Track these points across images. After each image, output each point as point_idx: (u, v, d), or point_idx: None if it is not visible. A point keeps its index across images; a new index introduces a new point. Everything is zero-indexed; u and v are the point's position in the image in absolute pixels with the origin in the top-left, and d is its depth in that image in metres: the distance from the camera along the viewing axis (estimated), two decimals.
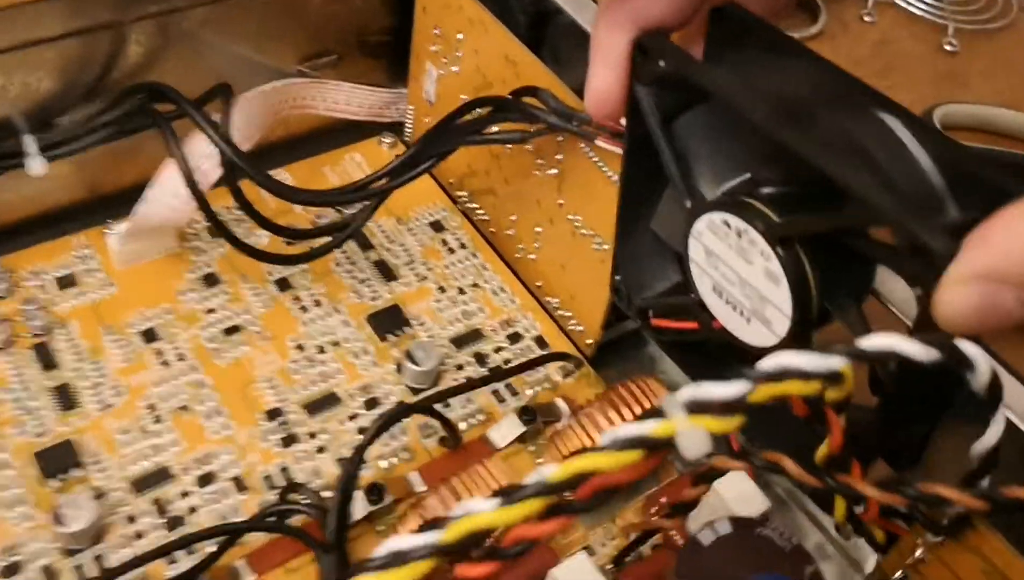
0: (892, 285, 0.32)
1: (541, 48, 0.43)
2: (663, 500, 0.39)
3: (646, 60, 0.31)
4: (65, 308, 0.43)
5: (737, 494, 0.36)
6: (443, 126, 0.42)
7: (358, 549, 0.37)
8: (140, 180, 0.42)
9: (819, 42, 0.68)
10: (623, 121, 0.34)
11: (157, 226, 0.44)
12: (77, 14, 0.42)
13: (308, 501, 0.37)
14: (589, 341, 0.45)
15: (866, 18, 0.71)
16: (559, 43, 0.44)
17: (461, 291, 0.47)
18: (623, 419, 0.38)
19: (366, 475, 0.39)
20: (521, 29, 0.44)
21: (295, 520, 0.37)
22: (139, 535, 0.37)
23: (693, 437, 0.23)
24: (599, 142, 0.38)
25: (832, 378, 0.24)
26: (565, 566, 0.34)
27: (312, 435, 0.40)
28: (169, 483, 0.38)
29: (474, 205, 0.51)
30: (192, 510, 0.37)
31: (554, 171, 0.43)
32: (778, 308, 0.31)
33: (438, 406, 0.40)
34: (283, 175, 0.51)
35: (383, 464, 0.40)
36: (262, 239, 0.46)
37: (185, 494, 0.38)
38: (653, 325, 0.39)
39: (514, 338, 0.45)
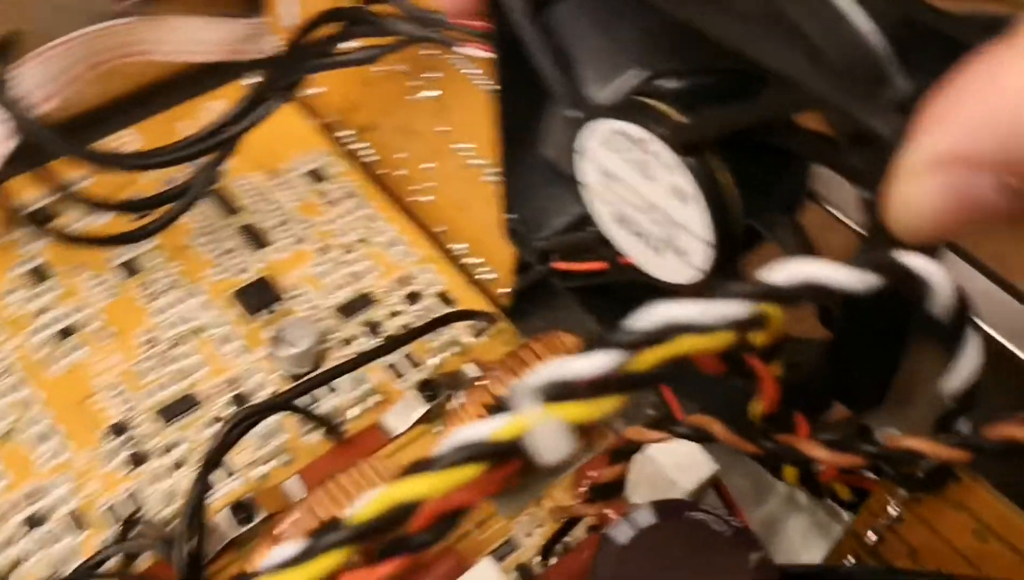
0: (839, 187, 0.25)
1: None
2: (594, 475, 0.32)
3: None
4: None
5: (678, 459, 0.29)
6: (289, 51, 0.35)
7: None
8: None
9: None
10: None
11: None
12: None
13: (151, 534, 0.30)
14: (504, 290, 0.38)
15: None
16: None
17: (347, 250, 0.39)
18: None
19: (234, 488, 0.32)
20: None
21: (143, 561, 0.30)
22: None
23: (550, 434, 0.16)
24: (466, 49, 0.30)
25: (746, 324, 0.17)
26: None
27: (167, 449, 0.33)
28: None
29: (360, 145, 0.43)
30: (17, 563, 0.30)
31: (432, 93, 0.35)
32: (692, 233, 0.24)
33: (323, 391, 0.33)
34: (132, 136, 0.43)
35: (257, 473, 0.33)
36: (103, 218, 0.38)
37: (9, 542, 0.31)
38: (556, 269, 0.31)
39: (413, 298, 0.38)
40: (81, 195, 0.35)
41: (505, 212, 0.32)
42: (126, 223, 0.38)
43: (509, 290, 0.38)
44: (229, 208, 0.40)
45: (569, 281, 0.31)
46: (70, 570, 0.30)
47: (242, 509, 0.31)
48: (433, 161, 0.38)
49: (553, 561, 0.31)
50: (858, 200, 0.19)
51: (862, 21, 0.19)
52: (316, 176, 0.42)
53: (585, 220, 0.28)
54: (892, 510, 0.25)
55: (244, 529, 0.31)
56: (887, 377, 0.23)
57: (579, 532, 0.31)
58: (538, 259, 0.31)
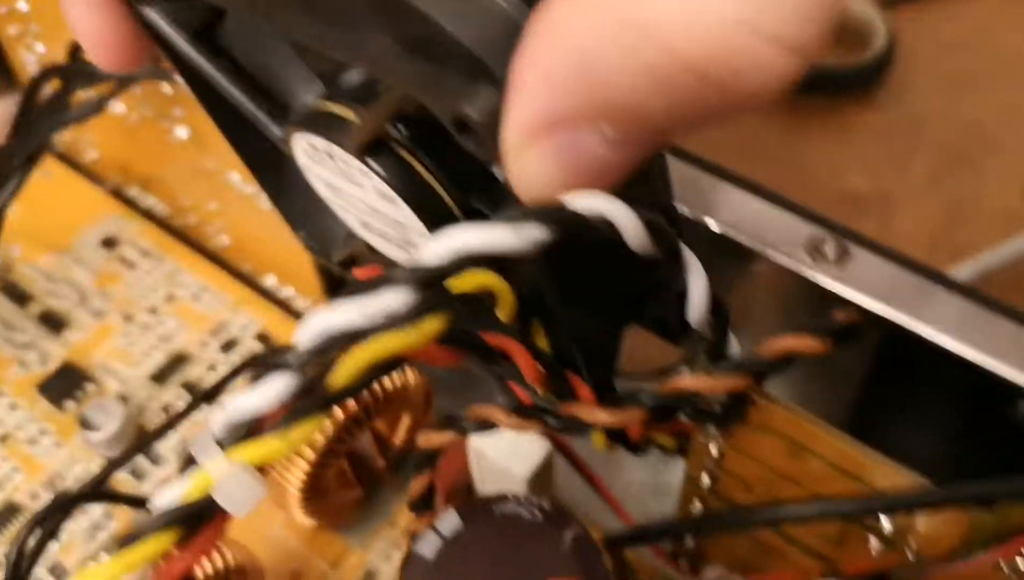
0: None
1: None
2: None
3: None
4: None
5: (508, 448, 0.28)
6: (22, 119, 0.32)
7: None
8: None
9: None
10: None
11: None
12: None
13: None
14: None
15: None
16: None
17: (153, 312, 0.37)
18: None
19: None
20: None
21: None
22: None
23: (238, 483, 0.14)
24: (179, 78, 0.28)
25: (437, 306, 0.15)
26: None
27: None
28: None
29: (148, 201, 0.40)
30: None
31: (183, 131, 0.33)
32: (417, 230, 0.22)
33: (146, 465, 0.30)
34: None
35: None
36: None
37: None
38: (356, 277, 0.30)
39: (229, 346, 0.36)
40: None
41: (293, 230, 0.30)
42: None
43: None
44: (21, 298, 0.38)
45: None
46: None
47: None
48: (215, 200, 0.36)
49: None
50: None
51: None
52: (109, 243, 0.39)
53: None
54: (713, 449, 0.23)
55: None
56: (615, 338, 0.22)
57: None
58: (343, 268, 0.29)
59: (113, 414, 0.33)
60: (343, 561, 0.30)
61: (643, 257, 0.16)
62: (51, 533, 0.28)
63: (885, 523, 0.21)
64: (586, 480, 0.28)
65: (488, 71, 0.16)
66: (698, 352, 0.20)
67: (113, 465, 0.29)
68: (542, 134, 0.14)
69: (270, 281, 0.37)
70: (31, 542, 0.27)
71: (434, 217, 0.20)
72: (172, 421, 0.31)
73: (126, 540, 0.14)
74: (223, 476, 0.14)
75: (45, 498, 0.32)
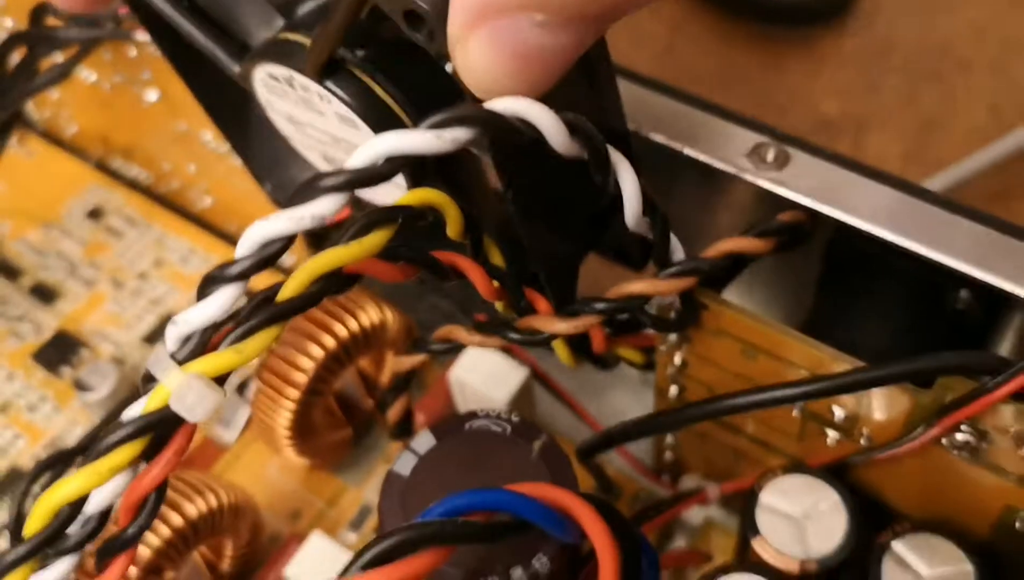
0: None
1: None
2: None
3: None
4: None
5: (487, 374, 0.29)
6: None
7: None
8: None
9: None
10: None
11: None
12: None
13: None
14: None
15: None
16: None
17: (142, 277, 0.38)
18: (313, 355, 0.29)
19: None
20: None
21: None
22: None
23: (193, 391, 0.15)
24: (140, 36, 0.28)
25: (385, 218, 0.16)
26: (297, 560, 0.27)
27: (0, 532, 0.32)
28: None
29: (131, 169, 0.41)
30: None
31: (154, 94, 0.34)
32: None
33: None
34: None
35: None
36: None
37: None
38: (330, 225, 0.30)
39: None
40: None
41: (260, 184, 0.30)
42: None
43: None
44: (12, 273, 0.39)
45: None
46: None
47: None
48: (193, 162, 0.37)
49: None
50: None
51: None
52: (95, 214, 0.40)
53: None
54: (677, 359, 0.24)
55: None
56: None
57: None
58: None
59: (108, 375, 0.34)
60: (339, 499, 0.31)
61: (593, 176, 0.17)
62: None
63: (837, 411, 0.22)
64: (558, 397, 0.29)
65: None
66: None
67: (108, 420, 0.30)
68: (480, 22, 0.15)
69: None
70: (30, 502, 0.28)
71: None
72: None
73: (94, 453, 0.15)
74: (178, 386, 0.15)
75: None
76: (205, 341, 0.15)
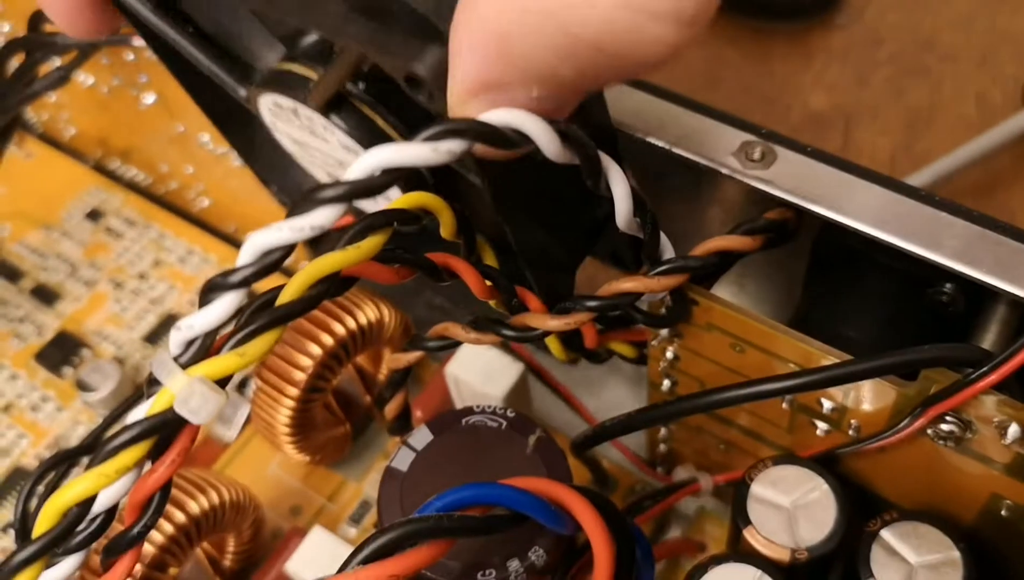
0: None
1: None
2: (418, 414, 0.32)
3: None
4: None
5: (483, 371, 0.29)
6: None
7: None
8: None
9: None
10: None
11: None
12: None
13: None
14: None
15: None
16: None
17: (142, 277, 0.39)
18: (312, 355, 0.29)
19: None
20: None
21: None
22: None
23: (196, 394, 0.16)
24: (137, 41, 0.29)
25: (377, 225, 0.16)
26: (299, 555, 0.27)
27: (3, 528, 0.32)
28: None
29: (129, 171, 0.42)
30: None
31: (151, 97, 0.34)
32: None
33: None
34: None
35: None
36: None
37: None
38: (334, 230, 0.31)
39: None
40: None
41: (266, 187, 0.31)
42: None
43: None
44: (13, 275, 0.39)
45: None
46: None
47: None
48: (192, 163, 0.37)
49: None
50: None
51: None
52: (94, 215, 0.41)
53: None
54: (669, 353, 0.25)
55: None
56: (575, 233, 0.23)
57: None
58: None
59: (109, 375, 0.34)
60: (339, 494, 0.32)
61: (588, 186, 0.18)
62: (54, 489, 0.29)
63: (825, 404, 0.22)
64: (553, 392, 0.29)
65: (435, 29, 0.17)
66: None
67: (110, 419, 0.31)
68: (479, 93, 0.16)
69: None
70: (34, 501, 0.29)
71: None
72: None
73: (101, 454, 0.16)
74: (182, 390, 0.16)
75: None
76: (208, 345, 0.16)
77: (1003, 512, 0.22)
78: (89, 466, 0.16)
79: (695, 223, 0.26)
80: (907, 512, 0.23)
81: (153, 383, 0.16)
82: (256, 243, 0.15)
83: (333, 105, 0.22)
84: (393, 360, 0.24)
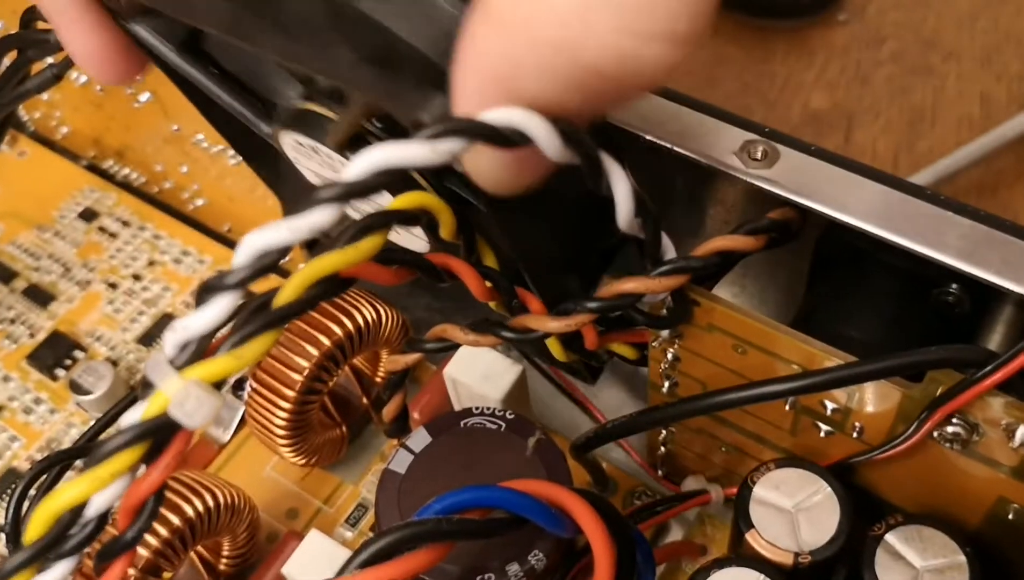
0: None
1: None
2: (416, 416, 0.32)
3: None
4: None
5: (481, 372, 0.29)
6: None
7: None
8: None
9: None
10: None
11: None
12: None
13: None
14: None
15: None
16: None
17: (136, 278, 0.38)
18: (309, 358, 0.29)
19: None
20: None
21: None
22: None
23: (191, 398, 0.15)
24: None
25: (375, 225, 0.16)
26: (295, 559, 0.27)
27: None
28: None
29: (124, 170, 0.41)
30: None
31: (145, 95, 0.34)
32: None
33: None
34: None
35: None
36: None
37: None
38: None
39: None
40: None
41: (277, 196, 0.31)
42: None
43: None
44: (5, 276, 0.39)
45: None
46: None
47: None
48: (186, 163, 0.37)
49: None
50: None
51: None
52: (88, 215, 0.40)
53: None
54: (669, 354, 0.24)
55: None
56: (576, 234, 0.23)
57: None
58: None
59: (103, 376, 0.34)
60: (336, 497, 0.32)
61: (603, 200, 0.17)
62: (46, 491, 0.29)
63: (829, 405, 0.22)
64: (557, 387, 0.29)
65: (442, 74, 0.17)
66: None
67: (104, 421, 0.31)
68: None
69: None
70: (26, 504, 0.28)
71: None
72: None
73: (94, 458, 0.15)
74: (177, 393, 0.15)
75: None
76: (203, 347, 0.15)
77: (1010, 516, 0.22)
78: (82, 470, 0.15)
79: (696, 223, 0.25)
80: (912, 515, 0.22)
81: (147, 386, 0.16)
82: (253, 244, 0.15)
83: (352, 143, 0.22)
84: (391, 362, 0.24)
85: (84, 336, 0.37)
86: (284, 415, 0.28)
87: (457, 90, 0.16)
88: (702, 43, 0.16)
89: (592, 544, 0.19)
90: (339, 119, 0.22)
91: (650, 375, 0.26)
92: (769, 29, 0.49)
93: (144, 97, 0.35)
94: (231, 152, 0.34)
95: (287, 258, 0.30)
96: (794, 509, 0.22)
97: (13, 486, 0.33)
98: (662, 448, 0.29)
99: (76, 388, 0.34)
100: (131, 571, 0.25)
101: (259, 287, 0.17)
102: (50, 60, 0.30)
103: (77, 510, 0.15)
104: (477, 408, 0.23)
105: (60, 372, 0.36)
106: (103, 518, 0.16)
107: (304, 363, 0.27)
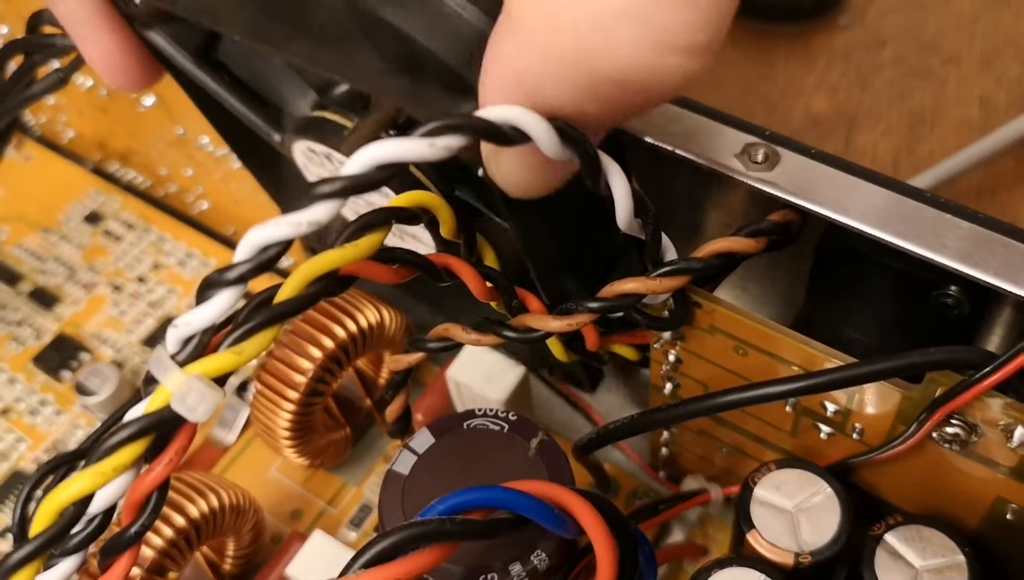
0: None
1: None
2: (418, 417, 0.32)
3: (127, 2, 0.23)
4: None
5: (483, 374, 0.29)
6: None
7: None
8: None
9: None
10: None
11: None
12: None
13: None
14: None
15: None
16: None
17: (141, 280, 0.38)
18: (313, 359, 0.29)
19: None
20: None
21: None
22: None
23: (193, 392, 0.15)
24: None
25: (377, 223, 0.16)
26: (299, 559, 0.27)
27: (3, 535, 0.32)
28: None
29: (128, 174, 0.42)
30: None
31: (151, 100, 0.34)
32: None
33: None
34: None
35: None
36: None
37: None
38: None
39: None
40: None
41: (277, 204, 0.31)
42: None
43: None
44: (11, 278, 0.39)
45: None
46: None
47: None
48: (191, 166, 0.37)
49: None
50: None
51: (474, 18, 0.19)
52: (93, 218, 0.41)
53: None
54: (671, 356, 0.24)
55: None
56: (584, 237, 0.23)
57: None
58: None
59: (108, 378, 0.34)
60: (340, 498, 0.32)
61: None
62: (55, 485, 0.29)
63: (829, 406, 0.22)
64: (554, 394, 0.29)
65: (467, 83, 0.17)
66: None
67: (109, 423, 0.31)
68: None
69: None
70: (33, 505, 0.28)
71: None
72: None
73: (98, 453, 0.16)
74: (179, 387, 0.15)
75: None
76: (205, 343, 0.16)
77: (1008, 516, 0.22)
78: (86, 465, 0.16)
79: (697, 225, 0.26)
80: (911, 516, 0.22)
81: (150, 381, 0.16)
82: (253, 239, 0.15)
83: None
84: (394, 361, 0.24)
85: (89, 338, 0.37)
86: (288, 416, 0.28)
87: (483, 98, 0.17)
88: (720, 54, 0.16)
89: (594, 544, 0.19)
90: (356, 127, 0.22)
91: (652, 377, 0.26)
92: (770, 33, 0.49)
93: (149, 101, 0.35)
94: (235, 157, 0.34)
95: (289, 261, 0.30)
96: (795, 509, 0.22)
97: (19, 487, 0.33)
98: (664, 449, 0.29)
99: (82, 390, 0.34)
100: (137, 571, 0.25)
101: (258, 287, 0.17)
102: (56, 64, 0.30)
103: (81, 505, 0.16)
104: (480, 409, 0.23)
105: (66, 374, 0.36)
106: (108, 514, 0.16)
107: (308, 365, 0.28)
